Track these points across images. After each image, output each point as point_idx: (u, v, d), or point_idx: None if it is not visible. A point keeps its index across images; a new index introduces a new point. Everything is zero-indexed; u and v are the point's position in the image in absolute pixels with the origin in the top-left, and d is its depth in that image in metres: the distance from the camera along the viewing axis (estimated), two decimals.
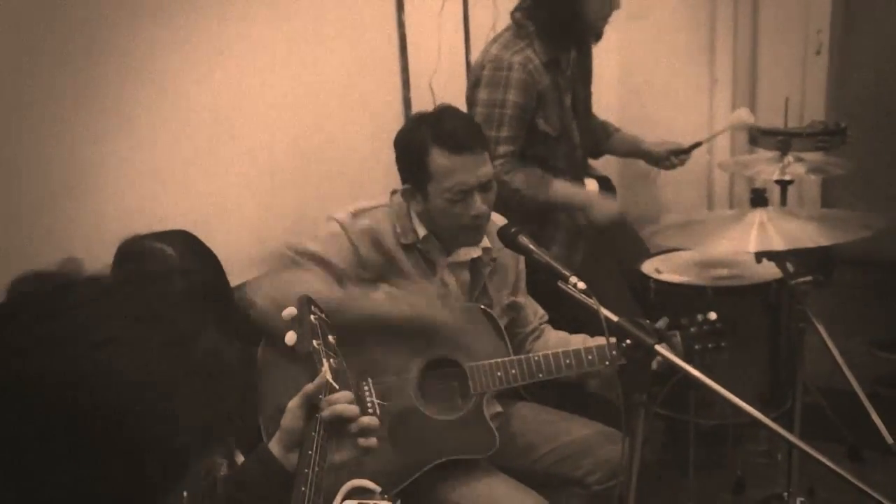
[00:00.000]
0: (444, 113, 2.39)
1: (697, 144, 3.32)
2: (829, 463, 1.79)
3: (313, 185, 2.97)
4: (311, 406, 1.49)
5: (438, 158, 2.27)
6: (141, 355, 0.95)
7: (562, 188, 2.99)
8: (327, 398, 1.48)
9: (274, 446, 1.49)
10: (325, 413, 1.46)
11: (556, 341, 2.50)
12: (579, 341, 2.43)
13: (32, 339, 0.93)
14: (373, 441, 1.51)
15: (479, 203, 2.28)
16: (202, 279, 1.16)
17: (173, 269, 1.09)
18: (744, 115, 3.26)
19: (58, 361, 0.92)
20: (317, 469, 1.38)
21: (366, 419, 1.51)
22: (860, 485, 1.76)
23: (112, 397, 0.93)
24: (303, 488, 1.35)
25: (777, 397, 2.84)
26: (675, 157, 3.32)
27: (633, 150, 3.42)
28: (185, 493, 1.09)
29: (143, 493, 0.98)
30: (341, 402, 1.48)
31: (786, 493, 2.54)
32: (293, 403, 1.51)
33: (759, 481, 3.08)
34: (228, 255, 2.56)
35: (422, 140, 2.29)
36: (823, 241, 2.28)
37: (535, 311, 2.59)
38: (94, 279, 1.00)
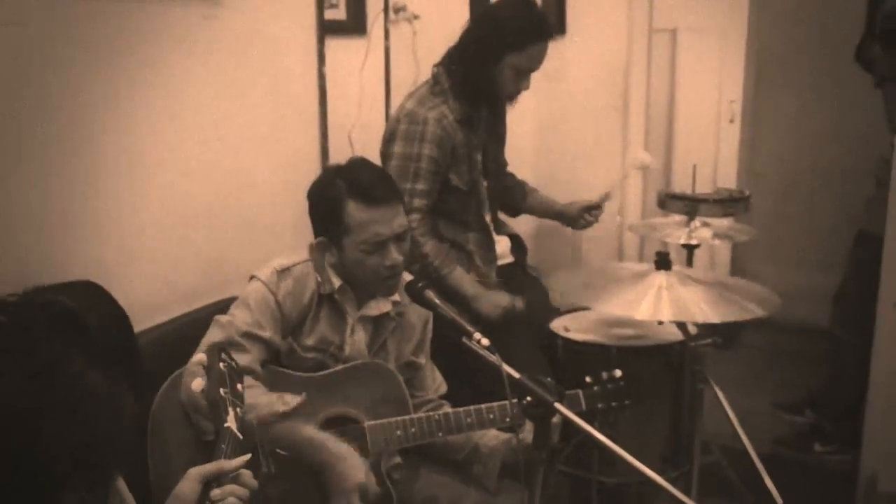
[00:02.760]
0: (358, 166, 2.41)
1: (606, 196, 3.36)
2: None
3: (227, 232, 2.95)
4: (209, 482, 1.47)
5: (354, 211, 2.28)
6: (3, 388, 0.94)
7: (459, 276, 2.98)
8: (224, 489, 1.45)
9: None
10: None
11: None
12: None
13: None
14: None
15: (394, 254, 2.30)
16: (67, 307, 1.15)
17: (36, 300, 1.09)
18: (641, 154, 3.33)
19: None
20: None
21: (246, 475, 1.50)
22: None
23: None
24: None
25: (679, 456, 2.88)
26: (588, 214, 3.37)
27: (548, 212, 3.46)
28: None
29: None
30: (237, 492, 1.45)
31: None
32: (197, 471, 1.47)
33: None
34: (137, 299, 2.55)
35: (337, 193, 2.30)
36: (712, 318, 2.29)
37: (434, 380, 2.58)
38: None
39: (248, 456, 1.52)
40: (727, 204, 3.04)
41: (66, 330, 1.08)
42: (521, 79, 3.02)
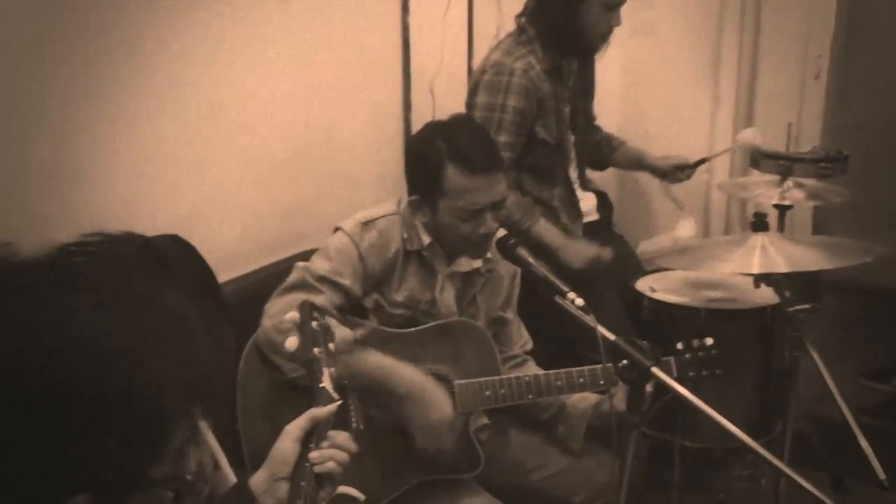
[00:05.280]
0: (460, 126, 2.33)
1: (702, 161, 3.27)
2: (819, 494, 1.77)
3: (309, 183, 2.93)
4: (308, 434, 1.44)
5: (454, 177, 2.20)
6: (102, 323, 0.91)
7: (542, 228, 2.91)
8: (323, 452, 1.42)
9: (259, 474, 1.42)
10: (318, 468, 1.39)
11: None
12: None
13: None
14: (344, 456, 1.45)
15: (489, 222, 2.23)
16: (151, 244, 1.12)
17: (119, 237, 1.05)
18: (750, 136, 3.20)
19: (13, 346, 0.87)
20: None
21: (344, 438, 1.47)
22: None
23: (83, 371, 0.89)
24: None
25: (764, 423, 2.82)
26: (680, 171, 3.28)
27: (638, 164, 3.36)
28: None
29: (131, 465, 0.94)
30: (337, 457, 1.42)
31: None
32: (294, 427, 1.44)
33: None
34: (219, 250, 2.54)
35: (437, 155, 2.22)
36: (826, 265, 2.29)
37: (520, 335, 2.53)
38: (34, 258, 0.96)
39: (339, 402, 1.48)
40: (825, 164, 2.92)
41: (153, 265, 1.04)
42: (610, 14, 2.90)
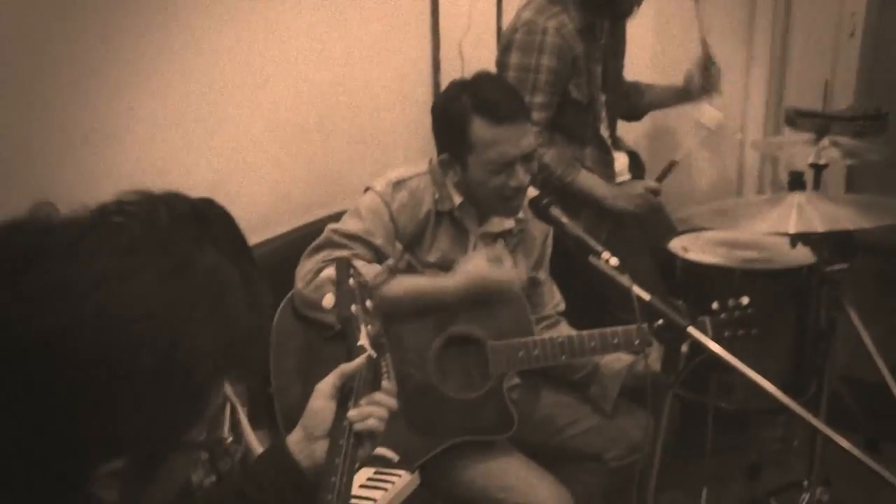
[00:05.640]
0: (485, 81, 2.32)
1: (706, 49, 3.16)
2: (857, 453, 1.75)
3: (338, 145, 2.92)
4: (344, 393, 1.42)
5: (480, 129, 2.20)
6: (140, 288, 0.90)
7: (585, 179, 2.89)
8: (361, 410, 1.40)
9: (295, 434, 1.40)
10: (358, 426, 1.38)
11: None
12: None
13: (18, 293, 0.87)
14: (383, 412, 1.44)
15: (521, 175, 2.21)
16: (188, 202, 1.11)
17: (154, 197, 1.03)
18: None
19: (53, 312, 0.86)
20: (344, 479, 1.30)
21: (382, 395, 1.45)
22: (888, 476, 1.71)
23: (122, 337, 0.88)
24: (329, 497, 1.27)
25: (799, 385, 2.78)
26: (705, 78, 3.16)
27: (673, 96, 3.28)
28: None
29: (166, 430, 0.94)
30: (376, 414, 1.40)
31: (805, 482, 2.51)
32: (325, 385, 1.42)
33: (773, 466, 3.05)
34: (248, 210, 2.54)
35: (462, 110, 2.22)
36: (865, 223, 2.23)
37: (552, 296, 2.52)
38: (70, 220, 0.95)
39: (367, 354, 1.45)
40: (862, 122, 2.86)
41: (192, 224, 1.03)
42: None
